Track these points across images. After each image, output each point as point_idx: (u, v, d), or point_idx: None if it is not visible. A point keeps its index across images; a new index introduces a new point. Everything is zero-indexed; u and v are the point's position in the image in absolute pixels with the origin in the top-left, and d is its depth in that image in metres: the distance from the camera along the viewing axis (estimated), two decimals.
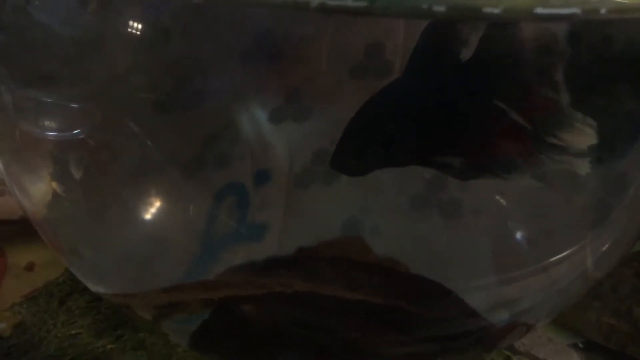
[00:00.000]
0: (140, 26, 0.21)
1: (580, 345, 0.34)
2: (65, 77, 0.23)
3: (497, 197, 0.25)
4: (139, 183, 0.25)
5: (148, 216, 0.25)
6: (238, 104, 0.23)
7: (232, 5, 0.17)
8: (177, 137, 0.24)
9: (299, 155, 0.25)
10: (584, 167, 0.23)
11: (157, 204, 0.25)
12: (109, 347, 0.28)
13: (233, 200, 0.25)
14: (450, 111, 0.22)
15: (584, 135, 0.22)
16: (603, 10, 0.17)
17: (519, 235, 0.26)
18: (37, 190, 0.25)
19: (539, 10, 0.16)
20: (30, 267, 0.35)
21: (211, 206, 0.25)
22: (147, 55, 0.23)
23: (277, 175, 0.25)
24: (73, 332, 0.27)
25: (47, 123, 0.24)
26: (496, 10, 0.16)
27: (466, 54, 0.20)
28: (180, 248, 0.26)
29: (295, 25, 0.22)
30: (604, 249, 0.26)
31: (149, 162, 0.24)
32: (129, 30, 0.21)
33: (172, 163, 0.24)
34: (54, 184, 0.25)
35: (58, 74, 0.23)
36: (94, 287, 0.27)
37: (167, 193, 0.25)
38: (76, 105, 0.23)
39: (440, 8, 0.16)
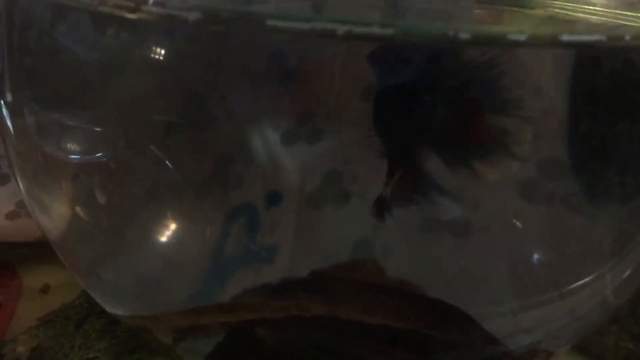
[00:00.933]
0: (156, 50, 0.22)
1: None
2: (86, 100, 0.24)
3: (513, 220, 0.25)
4: (155, 204, 0.25)
5: (163, 237, 0.25)
6: (250, 126, 0.23)
7: (258, 32, 0.18)
8: (189, 157, 0.24)
9: (310, 176, 0.25)
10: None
11: (172, 225, 0.25)
12: None
13: (244, 222, 0.25)
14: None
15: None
16: (628, 37, 0.17)
17: (536, 259, 0.25)
18: (58, 212, 0.25)
19: (565, 37, 0.16)
20: (45, 290, 0.35)
21: (223, 227, 0.25)
22: (162, 78, 0.23)
23: (288, 197, 0.25)
24: (90, 355, 0.27)
25: (69, 146, 0.24)
26: (522, 38, 0.16)
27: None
28: (193, 269, 0.26)
29: (308, 47, 0.22)
30: (626, 274, 0.25)
31: (164, 184, 0.24)
32: (146, 53, 0.22)
33: (186, 185, 0.24)
34: (75, 206, 0.25)
35: (80, 97, 0.24)
36: (112, 310, 0.27)
37: (181, 215, 0.25)
38: (98, 129, 0.23)
39: (465, 35, 0.16)
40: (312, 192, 0.25)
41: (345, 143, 0.24)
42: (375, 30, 0.15)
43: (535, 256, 0.25)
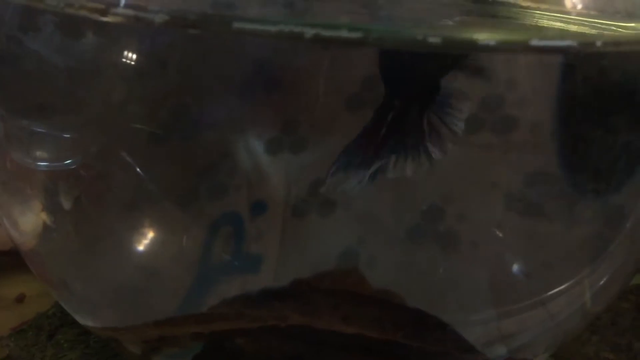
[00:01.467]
0: (135, 56, 0.21)
1: None
2: (58, 106, 0.23)
3: (494, 230, 0.25)
4: (132, 214, 0.25)
5: (141, 248, 0.24)
6: (234, 135, 0.23)
7: (227, 35, 0.17)
8: (172, 167, 0.24)
9: (295, 185, 0.25)
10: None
11: (151, 235, 0.25)
12: None
13: (229, 231, 0.24)
14: None
15: None
16: (599, 43, 0.17)
17: (516, 268, 0.25)
18: (27, 222, 0.25)
19: (535, 42, 0.16)
20: (20, 299, 0.34)
21: (206, 237, 0.24)
22: (142, 85, 0.23)
23: (273, 206, 0.25)
24: None
25: (38, 153, 0.23)
26: (492, 43, 0.16)
27: None
28: (174, 280, 0.25)
29: (292, 56, 0.22)
30: (603, 282, 0.25)
31: (143, 193, 0.24)
32: (124, 60, 0.21)
33: (167, 194, 0.24)
34: (44, 216, 0.24)
35: (51, 103, 0.23)
36: (83, 321, 0.27)
37: (161, 224, 0.25)
38: (68, 136, 0.23)
39: (435, 40, 0.16)
40: (297, 201, 0.25)
41: (330, 152, 0.23)
42: (344, 33, 0.15)
43: (514, 263, 0.25)
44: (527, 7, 0.25)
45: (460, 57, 0.19)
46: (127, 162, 0.23)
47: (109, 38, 0.22)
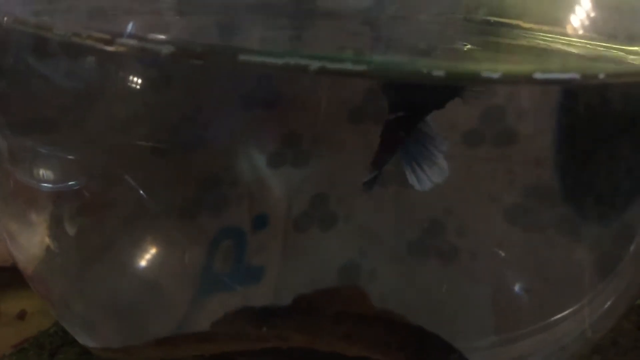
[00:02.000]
0: (138, 74, 0.21)
1: None
2: (62, 125, 0.23)
3: (495, 249, 0.25)
4: (133, 230, 0.24)
5: (142, 264, 0.24)
6: (236, 148, 0.23)
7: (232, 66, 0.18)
8: (173, 181, 0.24)
9: (297, 199, 0.24)
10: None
11: (152, 251, 0.24)
12: None
13: (230, 245, 0.24)
14: None
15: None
16: (602, 76, 0.17)
17: (518, 283, 0.25)
18: (29, 241, 0.25)
19: (538, 75, 0.16)
20: (21, 316, 0.34)
21: (208, 252, 0.24)
22: (145, 101, 0.22)
23: (274, 220, 0.25)
24: None
25: (42, 173, 0.23)
26: (495, 76, 0.16)
27: None
28: (175, 296, 0.25)
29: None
30: (609, 303, 0.25)
31: (144, 208, 0.24)
32: (128, 78, 0.21)
33: (168, 208, 0.24)
34: (46, 236, 0.24)
35: (55, 123, 0.23)
36: (83, 341, 0.27)
37: (162, 240, 0.24)
38: (72, 157, 0.23)
39: (439, 73, 0.16)
40: (299, 215, 0.24)
41: (332, 166, 0.24)
42: (348, 66, 0.15)
43: (515, 279, 0.25)
44: (529, 29, 0.25)
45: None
46: (129, 177, 0.23)
47: (110, 62, 0.22)
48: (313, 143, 0.24)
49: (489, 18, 0.25)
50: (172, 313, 0.25)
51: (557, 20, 0.24)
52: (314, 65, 0.15)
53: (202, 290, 0.24)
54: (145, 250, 0.24)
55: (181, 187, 0.24)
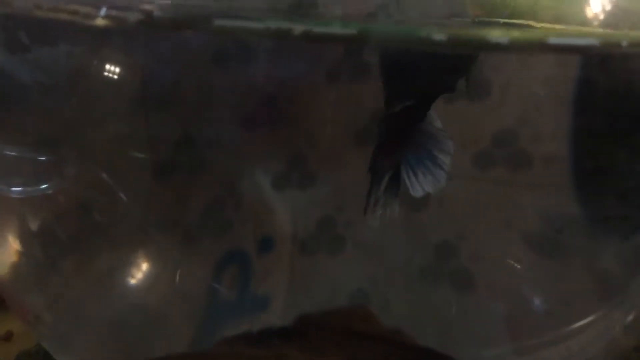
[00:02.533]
0: (141, 90, 0.21)
1: None
2: (63, 140, 0.22)
3: (511, 262, 0.23)
4: (135, 252, 0.23)
5: (143, 288, 0.23)
6: (240, 169, 0.22)
7: (208, 33, 0.16)
8: (177, 202, 0.23)
9: (303, 222, 0.24)
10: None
11: (153, 274, 0.23)
12: None
13: (235, 269, 0.23)
14: None
15: None
16: (625, 43, 0.15)
17: (533, 306, 0.24)
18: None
19: (553, 40, 0.15)
20: (7, 337, 0.33)
21: (212, 275, 0.23)
22: (147, 119, 0.22)
23: (280, 243, 0.24)
24: None
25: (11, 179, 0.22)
26: (504, 41, 0.14)
27: None
28: (178, 324, 0.24)
29: (299, 89, 0.21)
30: (630, 318, 0.23)
31: (146, 229, 0.23)
32: (131, 93, 0.21)
33: (171, 230, 0.23)
34: (24, 247, 0.23)
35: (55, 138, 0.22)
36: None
37: (164, 262, 0.23)
38: (71, 169, 0.22)
39: (440, 37, 0.14)
40: (305, 238, 0.23)
41: (339, 188, 0.23)
42: (336, 29, 0.14)
43: (531, 301, 0.23)
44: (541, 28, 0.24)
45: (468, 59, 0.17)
46: (130, 196, 0.22)
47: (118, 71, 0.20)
48: (319, 164, 0.23)
49: (498, 20, 0.24)
50: (174, 342, 0.24)
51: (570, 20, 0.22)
52: (298, 29, 0.14)
53: (206, 319, 0.23)
54: (144, 273, 0.23)
55: (184, 208, 0.23)
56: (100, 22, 0.15)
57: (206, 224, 0.23)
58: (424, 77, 0.18)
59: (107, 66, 0.20)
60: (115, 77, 0.20)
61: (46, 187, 0.21)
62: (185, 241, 0.23)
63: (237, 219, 0.23)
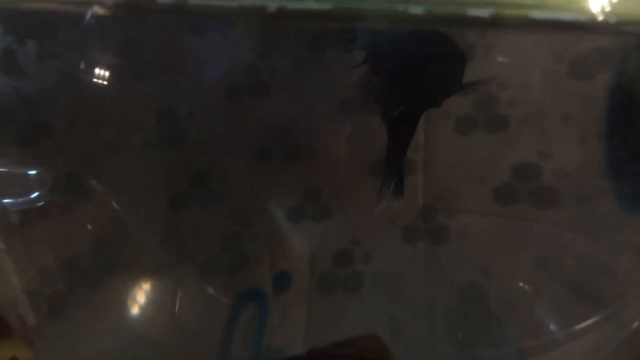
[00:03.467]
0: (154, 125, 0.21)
1: None
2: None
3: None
4: (148, 282, 0.23)
5: (152, 321, 0.23)
6: (255, 202, 0.23)
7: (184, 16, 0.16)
8: (193, 235, 0.23)
9: (319, 256, 0.23)
10: None
11: (166, 306, 0.23)
12: None
13: (250, 317, 0.23)
14: None
15: None
16: (613, 20, 0.15)
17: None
18: None
19: (536, 14, 0.14)
20: None
21: (228, 319, 0.23)
22: (162, 155, 0.22)
23: (297, 279, 0.23)
24: None
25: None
26: (485, 14, 0.14)
27: None
28: None
29: (313, 122, 0.22)
30: None
31: (163, 262, 0.23)
32: (144, 130, 0.21)
33: (188, 263, 0.23)
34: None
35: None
36: None
37: (178, 296, 0.23)
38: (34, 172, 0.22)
39: (417, 11, 0.14)
40: (323, 275, 0.23)
41: (355, 220, 0.23)
42: (311, 5, 0.13)
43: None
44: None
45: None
46: (147, 229, 0.22)
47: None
48: (334, 196, 0.23)
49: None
50: None
51: None
52: (272, 6, 0.13)
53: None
54: (160, 307, 0.23)
55: (200, 243, 0.23)
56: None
57: (222, 258, 0.23)
58: (413, 88, 0.18)
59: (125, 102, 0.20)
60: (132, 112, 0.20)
61: (36, 196, 0.21)
62: (201, 276, 0.23)
63: (253, 253, 0.23)
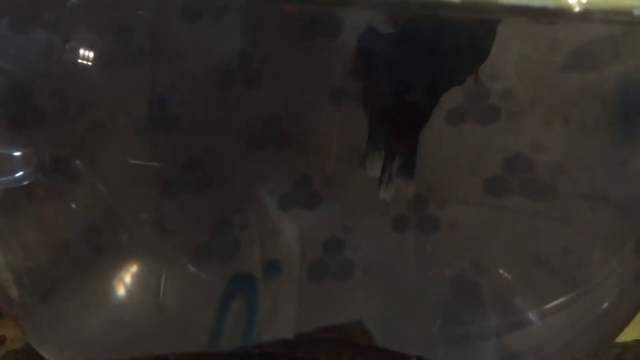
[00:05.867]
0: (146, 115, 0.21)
1: None
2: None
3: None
4: (139, 267, 0.24)
5: (148, 312, 0.23)
6: (246, 190, 0.23)
7: None
8: (184, 223, 0.23)
9: (310, 243, 0.24)
10: None
11: (156, 292, 0.24)
12: None
13: (240, 305, 0.24)
14: None
15: None
16: (578, 9, 0.15)
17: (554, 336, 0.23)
18: None
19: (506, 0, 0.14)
20: (1, 342, 0.33)
21: (219, 306, 0.23)
22: (153, 141, 0.22)
23: (288, 267, 0.24)
24: None
25: None
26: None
27: None
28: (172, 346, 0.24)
29: (304, 110, 0.22)
30: None
31: (157, 250, 0.23)
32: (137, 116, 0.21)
33: (180, 249, 0.24)
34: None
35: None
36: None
37: (170, 280, 0.24)
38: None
39: None
40: (313, 262, 0.24)
41: (346, 208, 0.23)
42: None
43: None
44: None
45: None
46: (138, 214, 0.23)
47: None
48: (325, 184, 0.23)
49: None
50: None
51: None
52: None
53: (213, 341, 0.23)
54: (150, 292, 0.24)
55: (191, 228, 0.24)
56: None
57: (214, 245, 0.23)
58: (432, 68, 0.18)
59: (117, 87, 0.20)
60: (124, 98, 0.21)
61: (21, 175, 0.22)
62: (192, 262, 0.24)
63: (245, 240, 0.24)
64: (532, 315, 0.23)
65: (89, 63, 0.19)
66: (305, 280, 0.24)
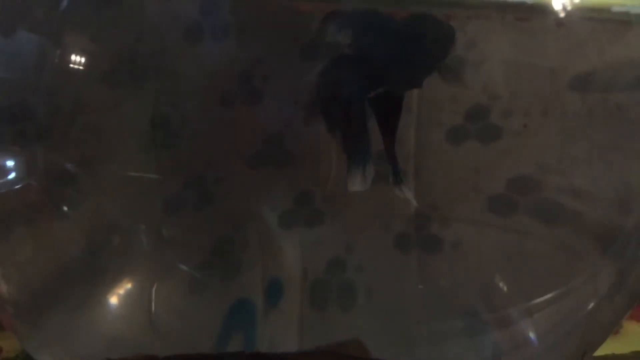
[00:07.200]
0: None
1: None
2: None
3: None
4: (140, 284, 0.23)
5: (137, 321, 0.23)
6: (246, 207, 0.23)
7: None
8: (186, 242, 0.23)
9: (312, 264, 0.23)
10: None
11: (156, 308, 0.23)
12: None
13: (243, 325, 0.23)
14: None
15: None
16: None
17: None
18: None
19: None
20: None
21: (219, 331, 0.23)
22: (156, 155, 0.22)
23: (289, 289, 0.23)
24: None
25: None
26: None
27: None
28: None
29: (305, 126, 0.22)
30: None
31: (158, 268, 0.23)
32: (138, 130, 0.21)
33: (179, 268, 0.23)
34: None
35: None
36: None
37: (169, 300, 0.24)
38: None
39: None
40: (315, 285, 0.23)
41: (348, 227, 0.23)
42: None
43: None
44: None
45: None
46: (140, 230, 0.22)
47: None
48: (326, 201, 0.23)
49: None
50: None
51: None
52: None
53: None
54: (141, 320, 0.23)
55: (192, 249, 0.23)
56: None
57: (215, 263, 0.23)
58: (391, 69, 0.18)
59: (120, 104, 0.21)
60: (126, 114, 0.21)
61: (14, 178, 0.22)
62: (192, 284, 0.23)
63: (246, 259, 0.23)
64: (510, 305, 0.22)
65: (91, 80, 0.20)
66: (307, 306, 0.23)
